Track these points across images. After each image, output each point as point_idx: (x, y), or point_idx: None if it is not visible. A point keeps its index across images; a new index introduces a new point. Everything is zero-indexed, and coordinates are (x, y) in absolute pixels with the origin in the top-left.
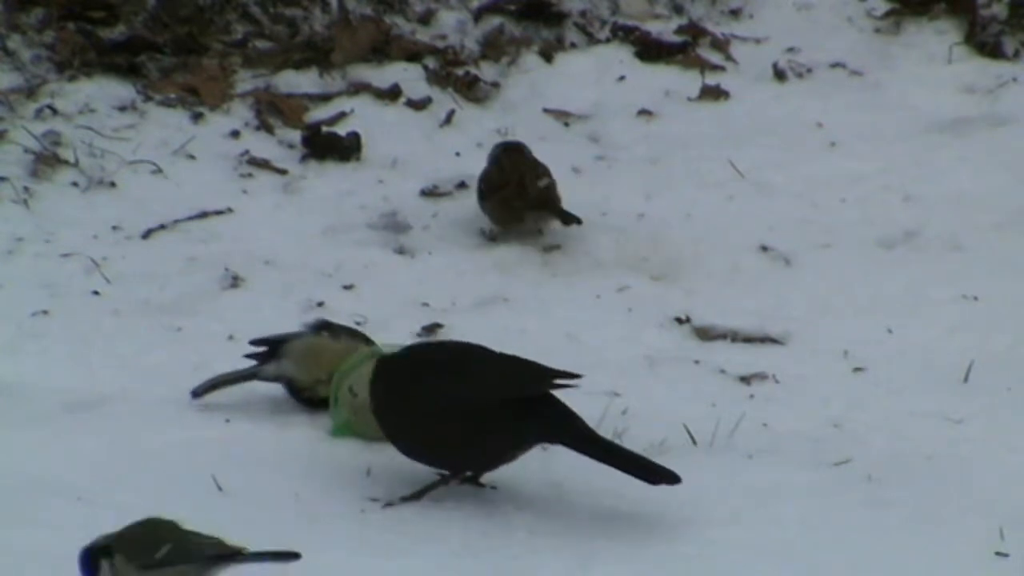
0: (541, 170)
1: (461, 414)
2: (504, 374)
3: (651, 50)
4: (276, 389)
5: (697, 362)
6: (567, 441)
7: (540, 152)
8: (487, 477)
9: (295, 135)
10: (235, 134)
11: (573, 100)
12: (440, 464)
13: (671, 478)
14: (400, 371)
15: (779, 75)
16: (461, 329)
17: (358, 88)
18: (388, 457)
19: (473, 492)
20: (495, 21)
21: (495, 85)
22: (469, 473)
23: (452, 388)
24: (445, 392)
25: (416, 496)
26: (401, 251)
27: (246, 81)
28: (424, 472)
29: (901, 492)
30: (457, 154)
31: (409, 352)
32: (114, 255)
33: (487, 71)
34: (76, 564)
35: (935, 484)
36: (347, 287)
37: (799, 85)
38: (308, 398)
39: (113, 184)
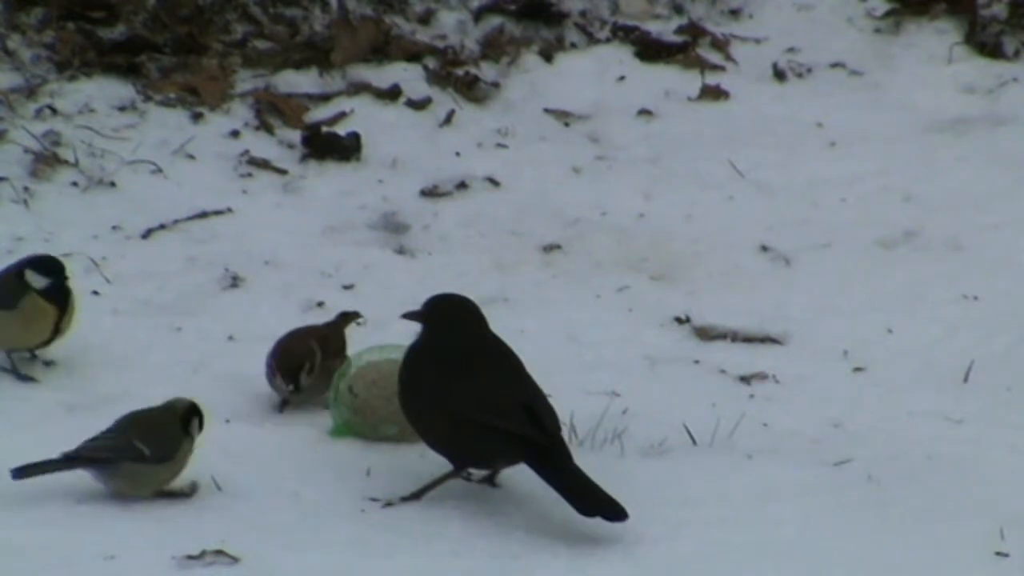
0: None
1: (453, 417)
2: (491, 396)
3: (651, 50)
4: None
5: (697, 362)
6: (539, 470)
7: (540, 152)
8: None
9: (295, 135)
10: (235, 134)
11: (573, 100)
12: (443, 455)
13: (613, 515)
14: (425, 358)
15: (779, 75)
16: None
17: (358, 88)
18: (388, 457)
19: (473, 492)
20: (495, 21)
21: (495, 85)
22: (471, 473)
23: (452, 392)
24: (443, 394)
25: (416, 496)
26: (401, 251)
27: (246, 81)
28: (425, 471)
29: (901, 492)
30: (457, 154)
31: (440, 341)
32: (114, 255)
33: (487, 71)
34: None
35: (935, 484)
36: (347, 287)
37: (799, 85)
38: None
39: (113, 184)
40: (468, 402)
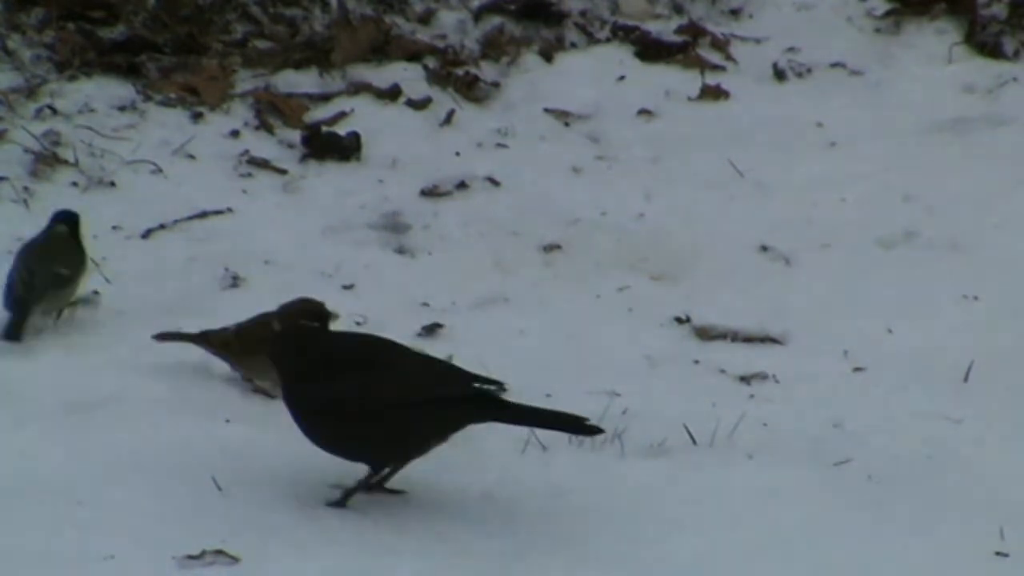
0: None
1: (387, 413)
2: (425, 373)
3: (651, 50)
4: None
5: (697, 362)
6: (495, 416)
7: (540, 152)
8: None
9: (295, 135)
10: (235, 134)
11: (573, 100)
12: (361, 460)
13: (589, 429)
14: (315, 367)
15: (779, 75)
16: (461, 329)
17: (358, 88)
18: None
19: (473, 493)
20: (495, 21)
21: (495, 85)
22: (385, 472)
23: (376, 388)
24: (368, 393)
25: (341, 502)
26: (401, 251)
27: (246, 81)
28: (426, 471)
29: (901, 492)
30: (457, 154)
31: (320, 345)
32: (114, 255)
33: (487, 71)
34: None
35: (935, 484)
36: (347, 287)
37: (799, 85)
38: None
39: (113, 184)
40: (411, 387)
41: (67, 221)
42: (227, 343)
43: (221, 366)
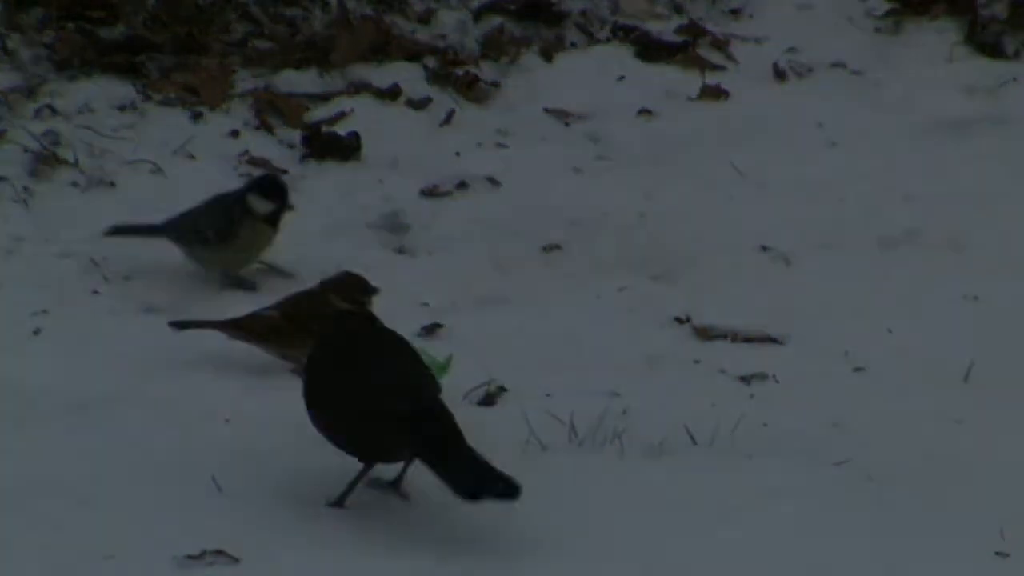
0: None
1: (360, 415)
2: (400, 385)
3: (651, 50)
4: (276, 386)
5: (697, 362)
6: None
7: (540, 152)
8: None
9: (295, 135)
10: (235, 134)
11: (573, 100)
12: (350, 453)
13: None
14: (325, 360)
15: (779, 75)
16: (461, 329)
17: (358, 88)
18: None
19: None
20: (495, 21)
21: (495, 85)
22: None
23: (356, 389)
24: (348, 392)
25: (339, 501)
26: (401, 251)
27: (246, 81)
28: (426, 471)
29: (901, 492)
30: (457, 154)
31: (332, 343)
32: (114, 255)
33: (487, 71)
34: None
35: (935, 484)
36: None
37: (799, 85)
38: None
39: (113, 184)
40: (354, 392)
41: (260, 188)
42: (275, 328)
43: (222, 366)
